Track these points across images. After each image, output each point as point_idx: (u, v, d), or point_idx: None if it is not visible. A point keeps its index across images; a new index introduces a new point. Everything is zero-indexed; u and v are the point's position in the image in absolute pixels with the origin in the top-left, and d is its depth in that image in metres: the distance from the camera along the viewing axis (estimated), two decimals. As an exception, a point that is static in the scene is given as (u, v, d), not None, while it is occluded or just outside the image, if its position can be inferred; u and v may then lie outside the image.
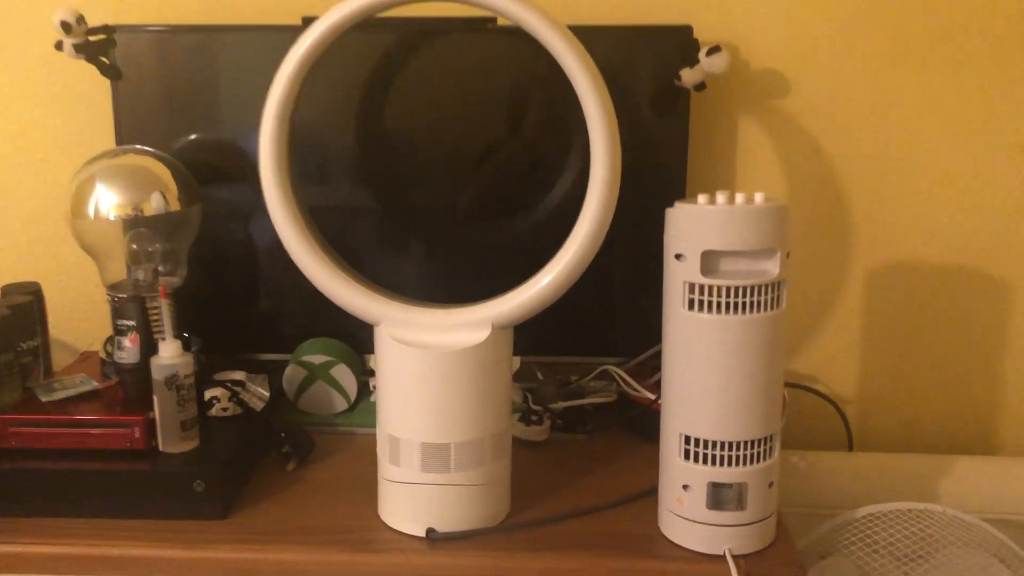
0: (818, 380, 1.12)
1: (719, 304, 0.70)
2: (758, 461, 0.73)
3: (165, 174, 0.88)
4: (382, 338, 0.76)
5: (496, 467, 0.77)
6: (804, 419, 1.12)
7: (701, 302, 0.71)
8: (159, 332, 0.83)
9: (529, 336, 0.99)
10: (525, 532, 0.78)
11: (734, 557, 0.72)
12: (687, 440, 0.73)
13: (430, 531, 0.76)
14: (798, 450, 1.05)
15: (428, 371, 0.74)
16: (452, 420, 0.74)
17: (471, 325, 0.75)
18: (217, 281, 1.02)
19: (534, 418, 0.95)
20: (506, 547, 0.75)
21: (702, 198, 0.71)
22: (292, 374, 0.98)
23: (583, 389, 1.02)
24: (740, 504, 0.73)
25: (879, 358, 1.11)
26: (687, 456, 0.73)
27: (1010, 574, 0.90)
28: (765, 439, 0.73)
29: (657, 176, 0.98)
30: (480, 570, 0.74)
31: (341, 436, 0.96)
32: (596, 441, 0.96)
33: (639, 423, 0.97)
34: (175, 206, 0.87)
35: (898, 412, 1.13)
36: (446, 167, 0.98)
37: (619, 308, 1.02)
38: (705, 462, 0.73)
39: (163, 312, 0.79)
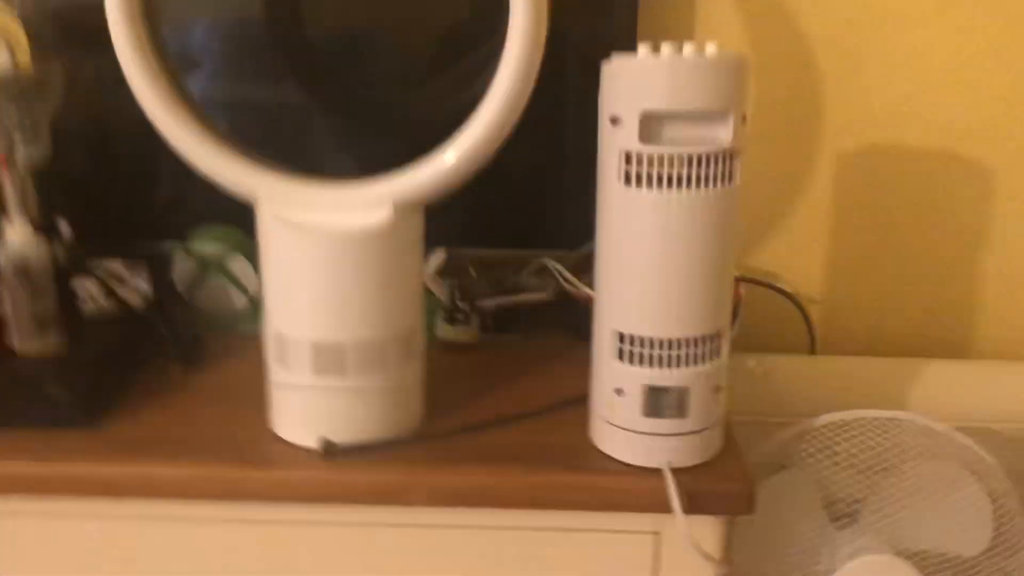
0: (780, 277, 1.01)
1: (660, 177, 0.59)
2: (702, 362, 0.62)
3: (13, 27, 0.74)
4: (263, 218, 0.64)
5: (403, 370, 0.67)
6: (763, 319, 1.02)
7: (639, 175, 0.59)
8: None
9: (457, 226, 0.89)
10: (437, 444, 0.68)
11: (673, 470, 0.63)
12: (621, 338, 0.63)
13: (325, 442, 0.66)
14: (755, 353, 0.96)
15: (316, 257, 0.62)
16: (347, 315, 0.63)
17: (368, 204, 0.64)
18: (98, 160, 0.89)
19: (459, 316, 0.84)
20: (415, 460, 0.65)
21: (643, 49, 0.59)
22: (182, 266, 0.86)
23: (518, 285, 0.91)
24: (681, 411, 0.63)
25: (848, 252, 1.01)
26: (621, 356, 0.63)
27: (981, 485, 0.82)
28: (711, 337, 0.62)
29: (603, 35, 0.85)
30: (383, 486, 0.64)
31: (240, 337, 0.85)
32: (532, 343, 0.86)
33: (580, 323, 0.86)
34: (27, 65, 0.74)
35: (867, 312, 1.03)
36: (375, 28, 0.85)
37: (564, 192, 0.91)
38: (641, 363, 0.62)
39: (5, 187, 0.67)
